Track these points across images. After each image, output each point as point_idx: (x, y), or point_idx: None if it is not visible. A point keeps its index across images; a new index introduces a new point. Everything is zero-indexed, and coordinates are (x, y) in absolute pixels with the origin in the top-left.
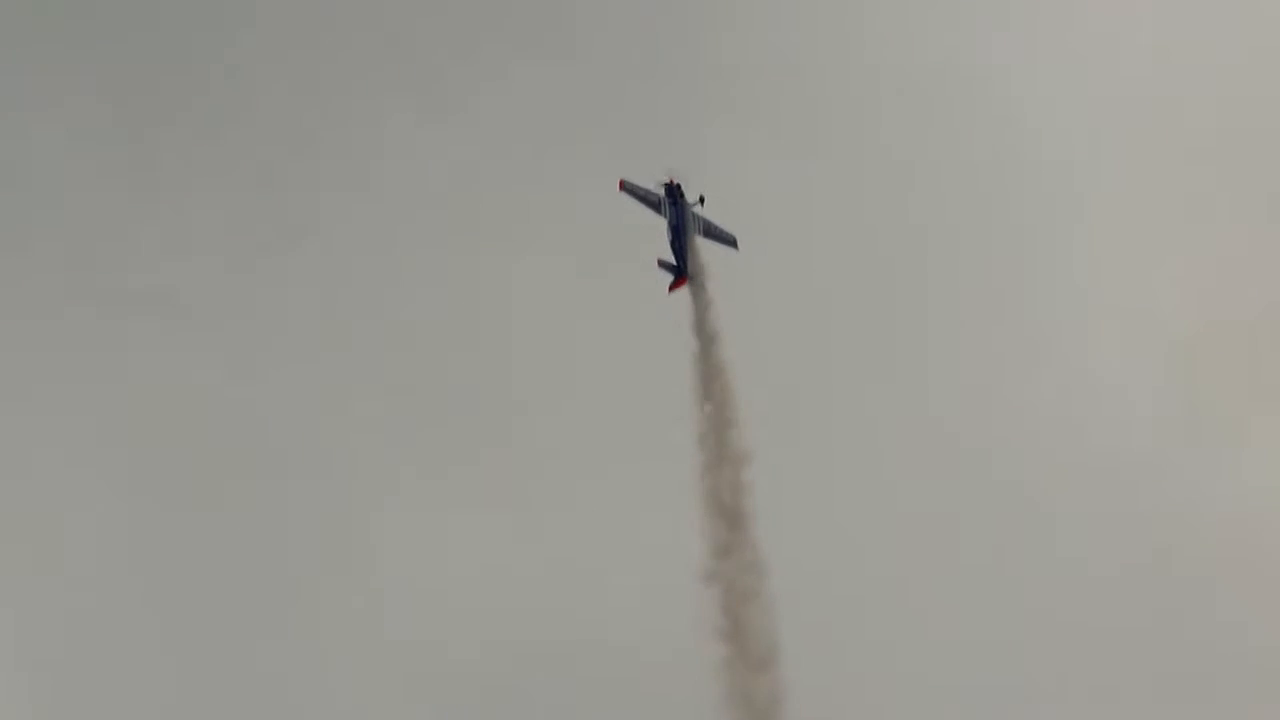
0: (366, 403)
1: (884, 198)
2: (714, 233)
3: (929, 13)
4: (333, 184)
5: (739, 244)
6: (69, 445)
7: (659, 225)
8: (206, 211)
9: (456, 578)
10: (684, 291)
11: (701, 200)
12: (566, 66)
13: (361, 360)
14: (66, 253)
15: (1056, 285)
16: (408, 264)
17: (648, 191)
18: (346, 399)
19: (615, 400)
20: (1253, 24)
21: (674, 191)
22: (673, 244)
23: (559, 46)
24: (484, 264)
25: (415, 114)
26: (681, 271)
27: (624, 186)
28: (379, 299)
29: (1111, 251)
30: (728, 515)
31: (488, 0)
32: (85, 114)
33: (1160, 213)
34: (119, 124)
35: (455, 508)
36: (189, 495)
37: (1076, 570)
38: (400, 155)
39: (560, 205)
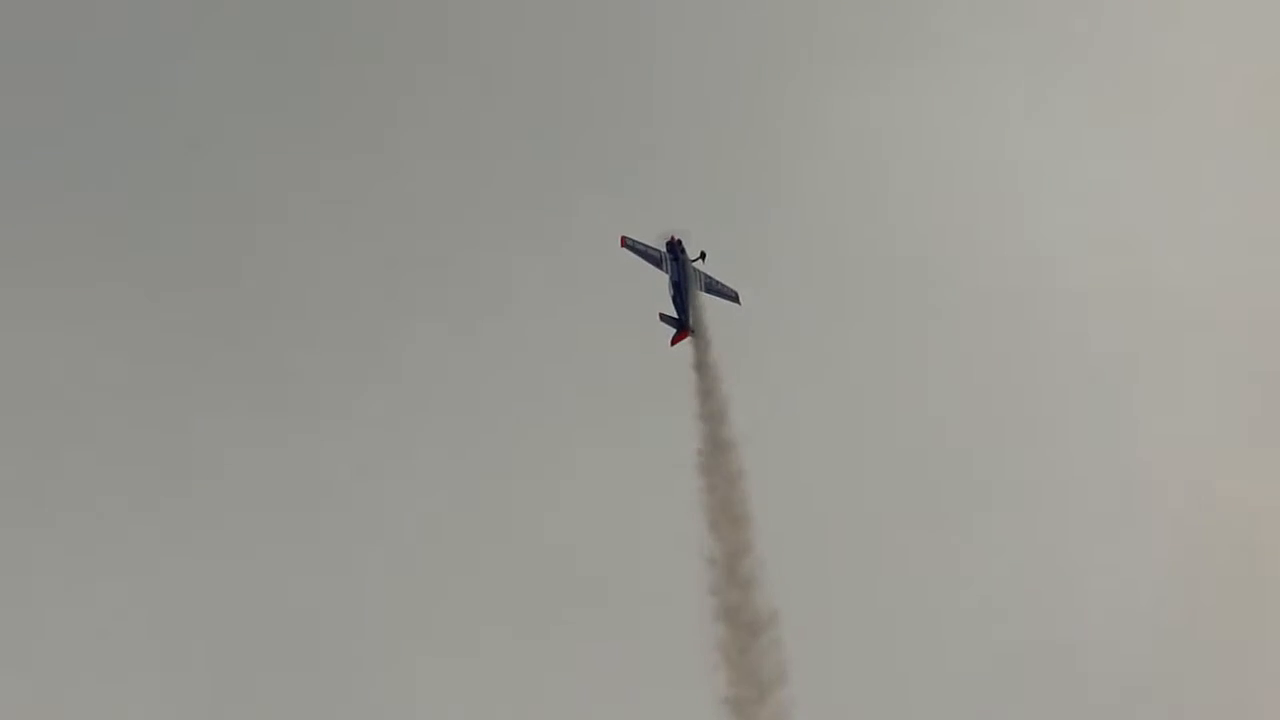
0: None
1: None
2: (716, 288)
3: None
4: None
5: (741, 299)
6: (97, 637)
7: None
8: (238, 402)
9: None
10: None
11: (703, 256)
12: (569, 131)
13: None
14: (95, 445)
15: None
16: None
17: (648, 247)
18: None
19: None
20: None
21: (675, 248)
22: (674, 299)
23: (561, 116)
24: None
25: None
26: (683, 325)
27: (625, 243)
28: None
29: (1111, 445)
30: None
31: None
32: (110, 317)
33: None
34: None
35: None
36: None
37: None
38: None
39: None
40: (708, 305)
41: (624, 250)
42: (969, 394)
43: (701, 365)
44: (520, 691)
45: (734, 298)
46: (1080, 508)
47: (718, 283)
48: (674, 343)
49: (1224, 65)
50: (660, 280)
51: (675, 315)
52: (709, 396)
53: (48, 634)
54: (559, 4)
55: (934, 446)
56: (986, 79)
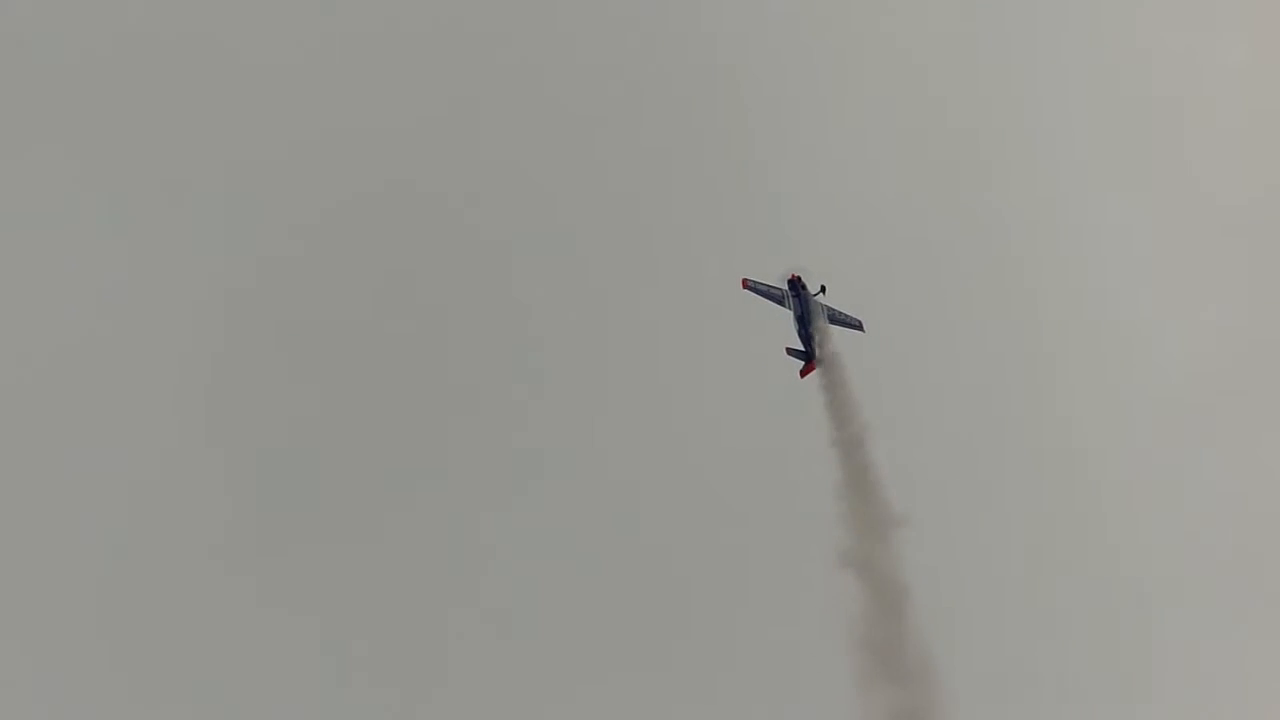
0: None
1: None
2: (839, 319)
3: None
4: None
5: (864, 327)
6: None
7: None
8: None
9: None
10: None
11: (823, 289)
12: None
13: None
14: None
15: None
16: None
17: (770, 287)
18: None
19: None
20: None
21: (796, 285)
22: (799, 333)
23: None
24: None
25: None
26: (810, 356)
27: (747, 284)
28: None
29: None
30: None
31: None
32: None
33: None
34: None
35: None
36: None
37: None
38: None
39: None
40: (834, 336)
41: (746, 291)
42: (1106, 404)
43: (833, 394)
44: None
45: (858, 326)
46: None
47: (840, 313)
48: (803, 374)
49: None
50: (785, 317)
51: (801, 348)
52: (844, 422)
53: None
54: (681, 49)
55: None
56: None
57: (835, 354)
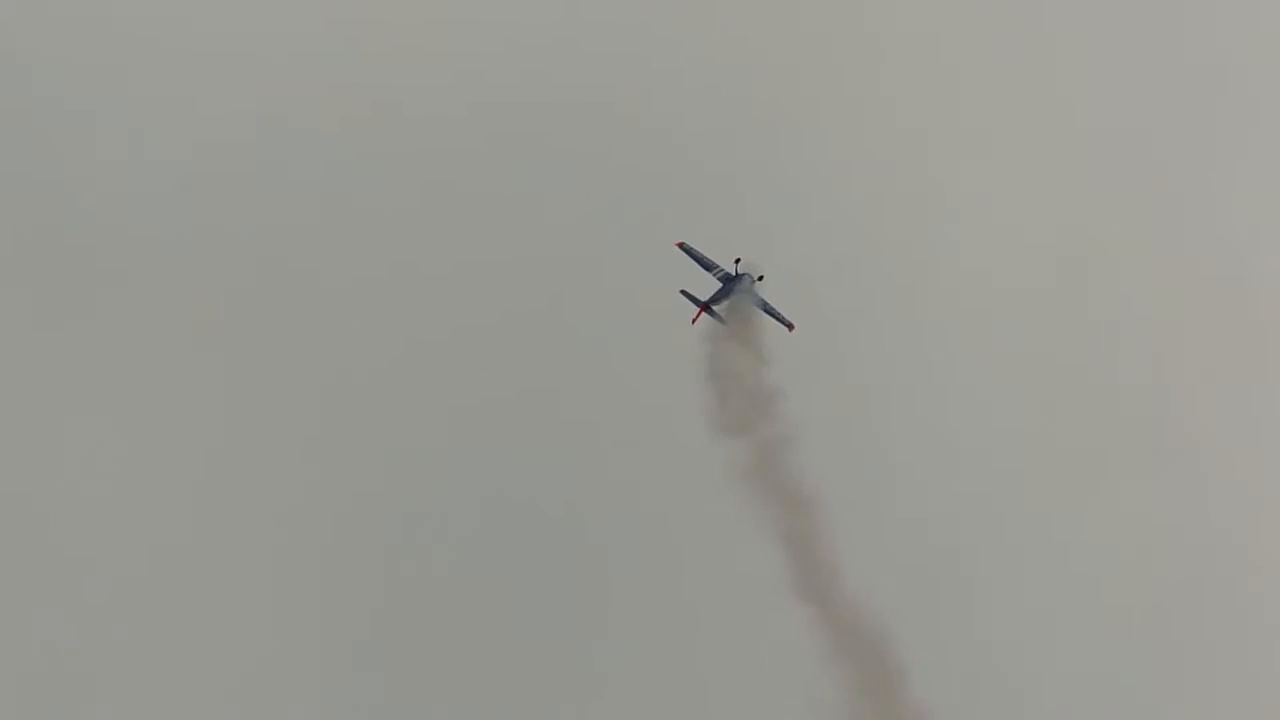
0: None
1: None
2: (771, 311)
3: None
4: None
5: (794, 328)
6: None
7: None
8: None
9: None
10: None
11: (760, 278)
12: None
13: None
14: None
15: None
16: None
17: (704, 255)
18: None
19: None
20: None
21: (736, 268)
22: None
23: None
24: None
25: None
26: (703, 303)
27: (681, 246)
28: None
29: None
30: None
31: None
32: None
33: None
34: None
35: None
36: None
37: None
38: None
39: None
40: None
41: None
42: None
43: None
44: None
45: (788, 325)
46: None
47: (774, 309)
48: (694, 321)
49: None
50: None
51: (703, 300)
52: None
53: None
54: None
55: None
56: None
57: (749, 324)
